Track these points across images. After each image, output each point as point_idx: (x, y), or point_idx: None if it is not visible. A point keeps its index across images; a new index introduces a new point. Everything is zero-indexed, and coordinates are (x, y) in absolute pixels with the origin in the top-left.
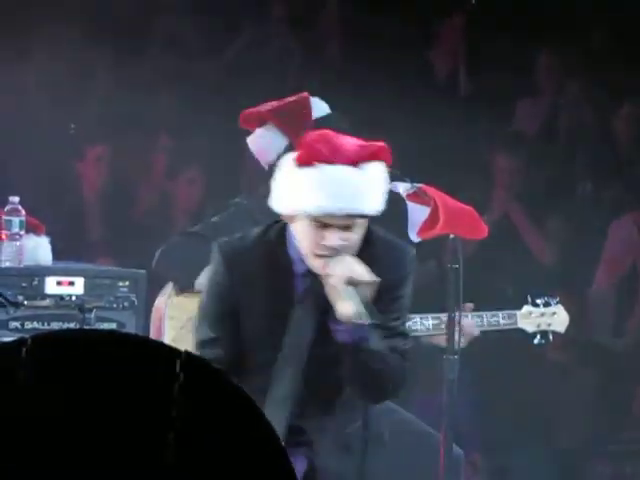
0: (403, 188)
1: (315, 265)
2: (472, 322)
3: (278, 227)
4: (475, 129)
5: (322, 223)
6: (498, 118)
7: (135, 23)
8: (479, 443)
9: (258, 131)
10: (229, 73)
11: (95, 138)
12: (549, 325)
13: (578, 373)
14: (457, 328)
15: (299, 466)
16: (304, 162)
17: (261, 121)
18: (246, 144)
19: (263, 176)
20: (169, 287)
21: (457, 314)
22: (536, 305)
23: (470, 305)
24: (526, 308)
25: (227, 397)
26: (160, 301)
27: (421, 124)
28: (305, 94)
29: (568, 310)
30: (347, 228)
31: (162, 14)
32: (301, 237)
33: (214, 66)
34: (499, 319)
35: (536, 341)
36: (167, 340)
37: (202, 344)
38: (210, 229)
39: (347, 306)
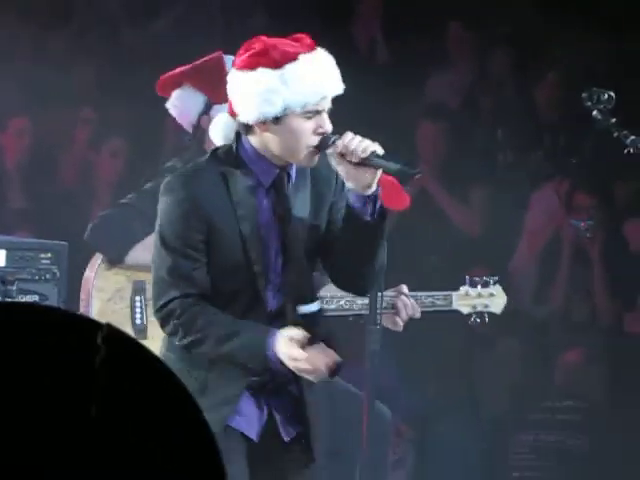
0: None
1: (309, 160)
2: (413, 303)
3: (224, 149)
4: (394, 98)
5: (314, 112)
6: (417, 89)
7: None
8: (405, 413)
9: (175, 94)
10: (150, 42)
11: (16, 110)
12: (486, 306)
13: (502, 343)
14: (379, 298)
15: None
16: (268, 64)
17: (178, 85)
18: (167, 112)
19: (189, 139)
20: (98, 259)
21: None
22: (474, 285)
23: (403, 286)
24: (463, 289)
25: (148, 370)
26: (89, 273)
27: (341, 94)
28: (219, 52)
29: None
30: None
31: None
32: (287, 138)
33: (136, 36)
34: (435, 300)
35: (470, 321)
36: (93, 312)
37: (175, 275)
38: (144, 197)
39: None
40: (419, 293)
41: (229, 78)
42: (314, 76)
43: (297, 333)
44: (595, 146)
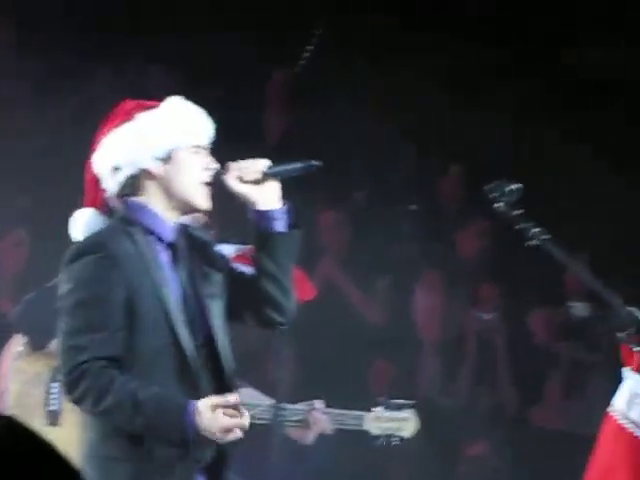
0: (230, 250)
1: (203, 197)
2: (326, 418)
3: (118, 216)
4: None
5: (200, 148)
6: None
7: None
8: None
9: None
10: (54, 133)
11: None
12: (397, 430)
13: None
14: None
15: None
16: (144, 109)
17: None
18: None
19: None
20: (19, 343)
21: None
22: (387, 409)
23: (316, 402)
24: (376, 411)
25: (50, 464)
26: (7, 355)
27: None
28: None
29: (398, 374)
30: None
31: None
32: (180, 175)
33: (38, 124)
34: (347, 419)
35: (378, 443)
36: (11, 394)
37: (89, 337)
38: None
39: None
40: (332, 410)
41: (100, 149)
42: (194, 111)
43: (218, 399)
44: (498, 238)
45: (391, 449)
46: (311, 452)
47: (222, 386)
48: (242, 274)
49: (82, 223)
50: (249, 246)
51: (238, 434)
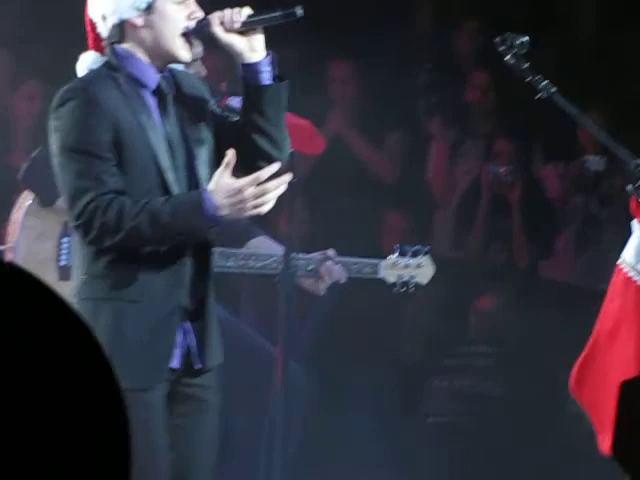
0: (239, 102)
1: (185, 50)
2: (339, 267)
3: (105, 63)
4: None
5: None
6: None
7: None
8: (318, 362)
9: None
10: None
11: None
12: (412, 277)
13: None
14: (295, 259)
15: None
16: None
17: None
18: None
19: None
20: (28, 198)
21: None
22: (402, 255)
23: (330, 251)
24: (391, 258)
25: (50, 307)
26: (18, 211)
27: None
28: None
29: (411, 227)
30: None
31: None
32: (162, 26)
33: None
34: (362, 267)
35: (395, 291)
36: (20, 249)
37: (87, 178)
38: None
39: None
40: (346, 259)
41: None
42: None
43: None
44: (511, 91)
45: (403, 299)
46: (323, 302)
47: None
48: (233, 123)
49: (85, 66)
50: None
51: (266, 207)
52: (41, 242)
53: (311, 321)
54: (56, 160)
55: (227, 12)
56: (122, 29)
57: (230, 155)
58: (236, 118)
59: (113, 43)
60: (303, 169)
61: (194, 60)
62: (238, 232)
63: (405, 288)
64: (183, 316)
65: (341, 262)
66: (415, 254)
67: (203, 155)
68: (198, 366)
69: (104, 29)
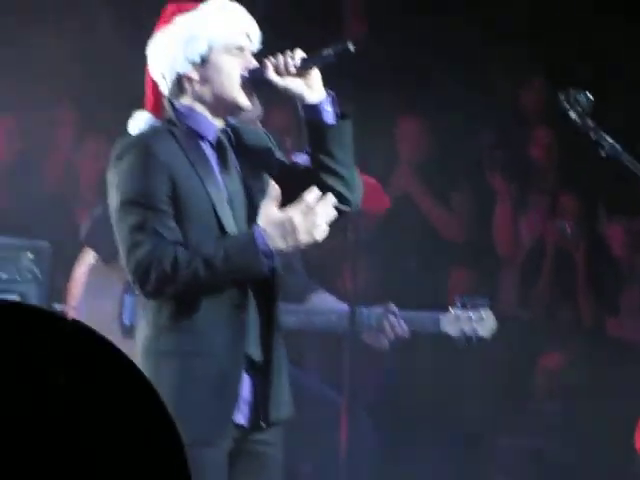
0: (304, 159)
1: (244, 97)
2: (402, 324)
3: (164, 120)
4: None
5: (239, 49)
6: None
7: None
8: (383, 415)
9: None
10: (131, 44)
11: (1, 109)
12: (474, 330)
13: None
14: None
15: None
16: (181, 11)
17: None
18: None
19: None
20: (90, 257)
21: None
22: (464, 308)
23: (391, 305)
24: (453, 311)
25: (112, 364)
26: (80, 270)
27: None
28: None
29: (476, 284)
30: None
31: None
32: (218, 77)
33: (117, 36)
34: (424, 321)
35: (458, 345)
36: (82, 308)
37: (144, 231)
38: None
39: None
40: (408, 312)
41: (149, 52)
42: (231, 10)
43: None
44: (575, 149)
45: (467, 354)
46: (387, 357)
47: (269, 279)
48: (298, 166)
49: (137, 125)
50: None
51: (321, 233)
52: (104, 300)
53: (376, 375)
54: (114, 214)
55: (280, 58)
56: (180, 84)
57: (274, 188)
58: (304, 166)
59: (172, 99)
60: (369, 226)
61: (254, 120)
62: (298, 288)
63: (468, 342)
64: (249, 368)
65: (403, 315)
66: (477, 307)
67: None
68: (264, 423)
69: (165, 88)
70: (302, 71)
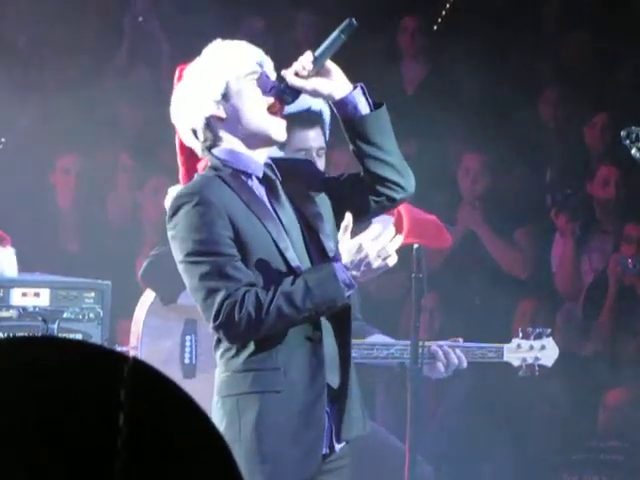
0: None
1: (276, 124)
2: (457, 353)
3: (207, 170)
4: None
5: (253, 74)
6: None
7: (102, 35)
8: (442, 455)
9: None
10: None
11: (64, 149)
12: (536, 359)
13: (546, 380)
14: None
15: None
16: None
17: None
18: None
19: None
20: (150, 297)
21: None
22: (526, 337)
23: (455, 339)
24: (515, 341)
25: (176, 404)
26: (140, 311)
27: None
28: None
29: (540, 318)
30: None
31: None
32: (245, 107)
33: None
34: (486, 352)
35: (521, 373)
36: (143, 349)
37: (217, 278)
38: None
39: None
40: (470, 344)
41: (173, 116)
42: (236, 44)
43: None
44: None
45: (532, 389)
46: (450, 388)
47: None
48: (345, 175)
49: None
50: None
51: (392, 258)
52: (164, 340)
53: (442, 415)
54: (181, 266)
55: (294, 63)
56: (212, 129)
57: (348, 219)
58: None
59: (210, 148)
60: (434, 263)
61: (318, 152)
62: (355, 331)
63: (531, 371)
64: (327, 396)
65: (466, 347)
66: (538, 336)
67: (327, 228)
68: (337, 443)
69: (200, 143)
70: (320, 67)
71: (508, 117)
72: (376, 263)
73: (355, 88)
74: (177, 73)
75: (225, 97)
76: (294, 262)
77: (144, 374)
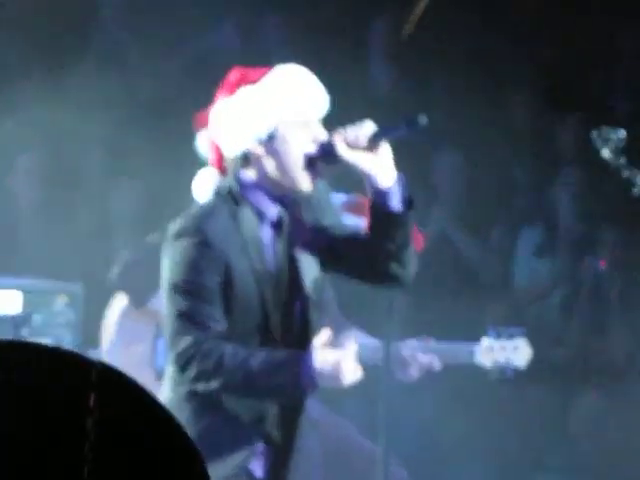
0: (339, 199)
1: (307, 181)
2: (433, 358)
3: (225, 189)
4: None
5: (307, 121)
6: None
7: (71, 38)
8: (423, 460)
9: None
10: (168, 90)
11: (25, 149)
12: (509, 360)
13: (519, 383)
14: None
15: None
16: (247, 82)
17: None
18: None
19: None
20: (121, 300)
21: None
22: (498, 337)
23: (424, 338)
24: (486, 341)
25: (143, 408)
26: (111, 314)
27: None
28: None
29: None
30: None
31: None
32: (284, 151)
33: (150, 82)
34: (457, 353)
35: (493, 377)
36: (115, 353)
37: (190, 321)
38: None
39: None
40: (441, 345)
41: (212, 118)
42: (301, 82)
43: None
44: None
45: (503, 391)
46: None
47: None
48: (354, 239)
49: (204, 186)
50: (359, 196)
51: (355, 374)
52: (136, 344)
53: (409, 413)
54: (164, 291)
55: (350, 129)
56: (246, 157)
57: (326, 335)
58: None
59: (236, 171)
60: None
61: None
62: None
63: (502, 374)
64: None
65: (436, 348)
66: (511, 336)
67: (316, 285)
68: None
69: (230, 157)
70: (372, 145)
71: (479, 118)
72: (344, 381)
73: (397, 178)
74: (232, 76)
75: (270, 139)
76: (272, 320)
77: (112, 379)
